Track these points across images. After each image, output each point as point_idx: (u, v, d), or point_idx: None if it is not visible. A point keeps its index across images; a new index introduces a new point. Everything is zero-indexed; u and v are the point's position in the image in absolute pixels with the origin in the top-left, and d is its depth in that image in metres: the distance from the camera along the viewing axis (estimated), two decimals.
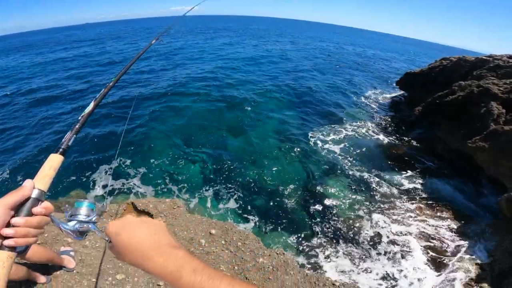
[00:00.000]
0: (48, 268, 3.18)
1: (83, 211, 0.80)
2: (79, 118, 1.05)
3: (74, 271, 3.33)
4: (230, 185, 7.42)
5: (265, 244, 5.50)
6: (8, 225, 0.66)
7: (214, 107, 12.91)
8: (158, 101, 13.30)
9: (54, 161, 0.84)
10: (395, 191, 7.78)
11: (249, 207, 6.75)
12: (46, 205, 0.74)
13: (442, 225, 6.06)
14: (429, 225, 6.13)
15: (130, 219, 0.78)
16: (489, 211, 6.92)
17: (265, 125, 11.51)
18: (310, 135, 10.70)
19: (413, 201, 7.36)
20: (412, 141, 10.84)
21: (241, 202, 6.88)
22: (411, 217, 6.57)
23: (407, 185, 8.08)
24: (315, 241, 5.98)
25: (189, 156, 8.69)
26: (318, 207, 6.98)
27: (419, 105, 12.40)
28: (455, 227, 6.00)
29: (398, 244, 5.87)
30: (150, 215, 5.01)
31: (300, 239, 6.01)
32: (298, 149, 9.54)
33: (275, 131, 10.98)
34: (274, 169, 8.33)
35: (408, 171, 8.82)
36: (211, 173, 7.88)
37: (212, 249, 4.18)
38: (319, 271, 5.20)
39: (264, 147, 9.61)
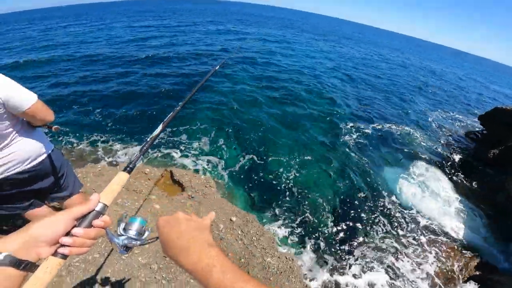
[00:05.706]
0: None
1: (135, 227, 0.84)
2: (148, 139, 1.11)
3: None
4: (265, 180, 7.54)
5: (279, 246, 5.65)
6: (67, 234, 0.70)
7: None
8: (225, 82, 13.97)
9: (121, 179, 0.90)
10: (435, 231, 7.20)
11: (277, 207, 6.78)
12: (106, 219, 0.79)
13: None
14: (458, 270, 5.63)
15: (178, 215, 0.83)
16: None
17: (321, 121, 11.29)
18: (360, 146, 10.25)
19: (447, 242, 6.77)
20: (472, 183, 9.64)
21: (272, 199, 6.93)
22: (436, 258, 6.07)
23: (448, 227, 7.40)
24: (332, 256, 5.93)
25: (236, 142, 8.99)
26: (352, 225, 6.76)
27: (497, 148, 10.79)
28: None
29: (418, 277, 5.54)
30: (182, 186, 5.51)
31: (318, 250, 5.97)
32: (349, 159, 9.25)
33: (326, 130, 10.75)
34: (318, 176, 8.13)
35: (453, 211, 8.01)
36: (252, 164, 8.09)
37: (227, 235, 4.45)
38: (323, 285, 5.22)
39: (315, 148, 9.41)
